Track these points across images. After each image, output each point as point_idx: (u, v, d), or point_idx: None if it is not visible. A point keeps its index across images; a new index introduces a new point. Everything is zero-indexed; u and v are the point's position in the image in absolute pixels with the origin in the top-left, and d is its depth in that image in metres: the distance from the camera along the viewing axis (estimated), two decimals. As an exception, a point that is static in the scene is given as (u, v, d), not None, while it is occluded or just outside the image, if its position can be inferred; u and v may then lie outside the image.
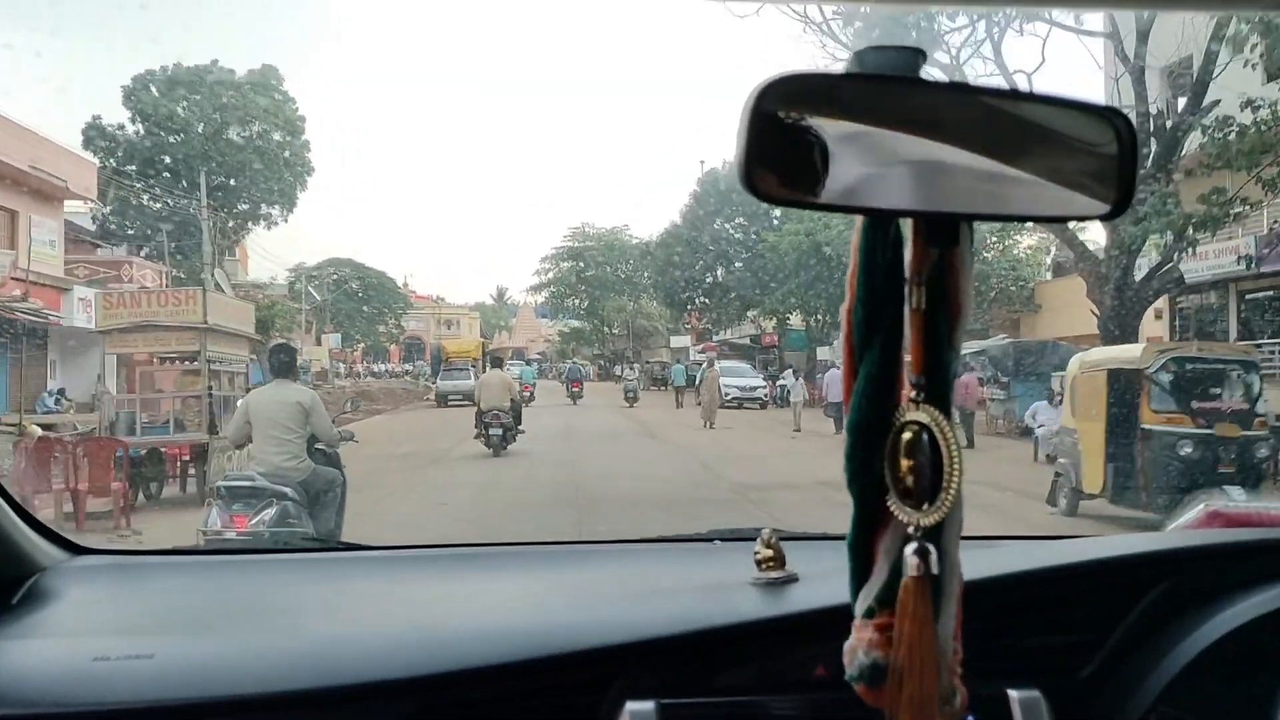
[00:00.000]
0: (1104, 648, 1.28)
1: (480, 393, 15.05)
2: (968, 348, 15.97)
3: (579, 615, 1.36)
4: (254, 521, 5.17)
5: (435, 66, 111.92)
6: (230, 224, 29.01)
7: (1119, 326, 14.01)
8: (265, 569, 1.70)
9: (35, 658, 1.22)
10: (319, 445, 5.88)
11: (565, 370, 37.41)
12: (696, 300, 41.05)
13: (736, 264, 36.07)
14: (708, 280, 39.04)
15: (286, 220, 30.33)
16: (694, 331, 56.13)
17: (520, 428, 14.96)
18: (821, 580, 1.30)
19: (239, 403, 6.42)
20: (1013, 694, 1.17)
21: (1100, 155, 0.66)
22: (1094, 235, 15.97)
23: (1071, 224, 8.63)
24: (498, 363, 20.20)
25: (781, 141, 0.62)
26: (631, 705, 1.14)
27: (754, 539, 1.40)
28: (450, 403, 27.05)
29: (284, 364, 6.14)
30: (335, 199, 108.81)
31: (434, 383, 29.31)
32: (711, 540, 1.83)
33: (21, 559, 1.44)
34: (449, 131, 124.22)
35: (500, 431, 14.10)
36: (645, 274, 54.96)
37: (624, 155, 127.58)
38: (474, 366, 31.89)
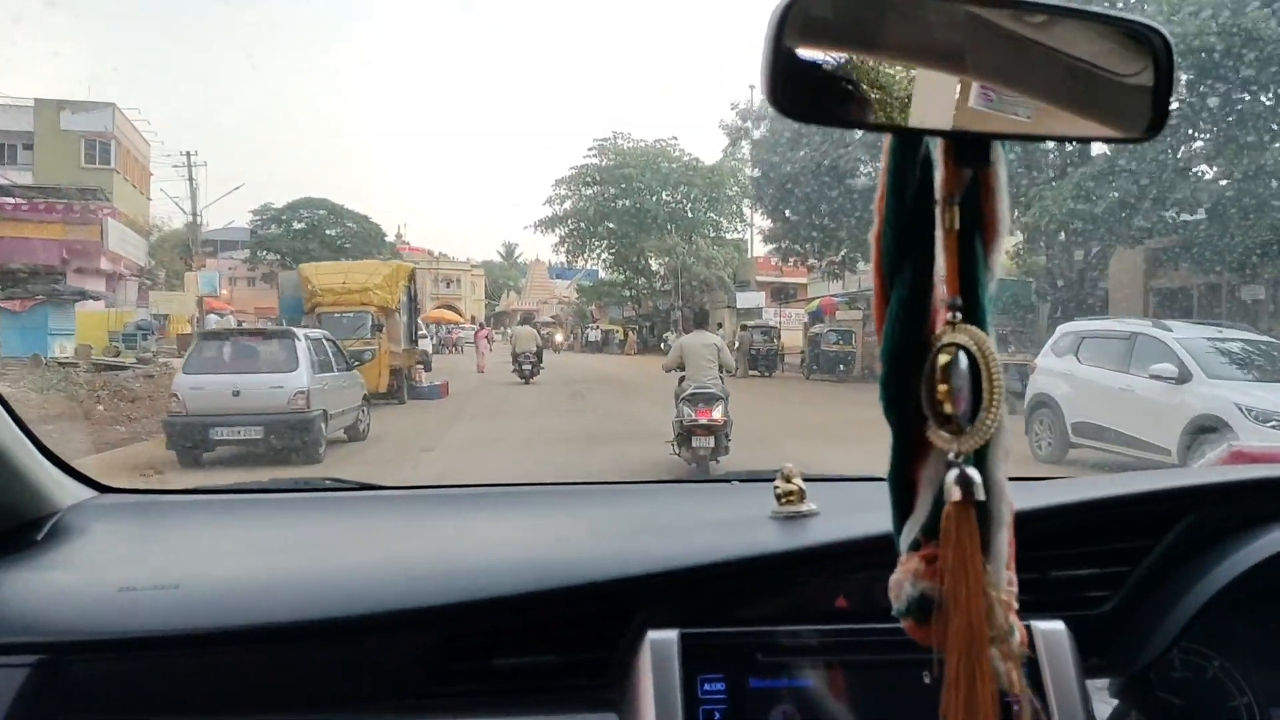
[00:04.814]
0: (1128, 582, 1.29)
1: (514, 342, 21.77)
2: None
3: (600, 548, 1.35)
4: (714, 414, 7.98)
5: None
6: None
7: None
8: (287, 507, 1.70)
9: (62, 589, 1.23)
10: (722, 365, 8.67)
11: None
12: (819, 224, 23.33)
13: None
14: (838, 195, 21.37)
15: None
16: (768, 287, 39.91)
17: (542, 365, 21.11)
18: (842, 515, 1.31)
19: (677, 341, 9.43)
20: (1037, 625, 1.16)
21: (1137, 74, 0.65)
22: None
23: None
24: (526, 321, 26.74)
25: (807, 58, 0.61)
26: (653, 634, 1.15)
27: (772, 480, 1.39)
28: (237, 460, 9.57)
29: (700, 320, 10.05)
30: (320, 140, 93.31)
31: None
32: (730, 481, 1.86)
33: (46, 496, 1.45)
34: (448, 59, 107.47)
35: (529, 367, 20.62)
36: (704, 197, 38.35)
37: (664, 51, 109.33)
38: (379, 329, 14.95)
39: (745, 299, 38.66)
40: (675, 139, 48.30)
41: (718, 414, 8.01)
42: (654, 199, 40.83)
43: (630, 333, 42.22)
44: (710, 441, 7.95)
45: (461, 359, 29.42)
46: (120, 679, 1.12)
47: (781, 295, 39.60)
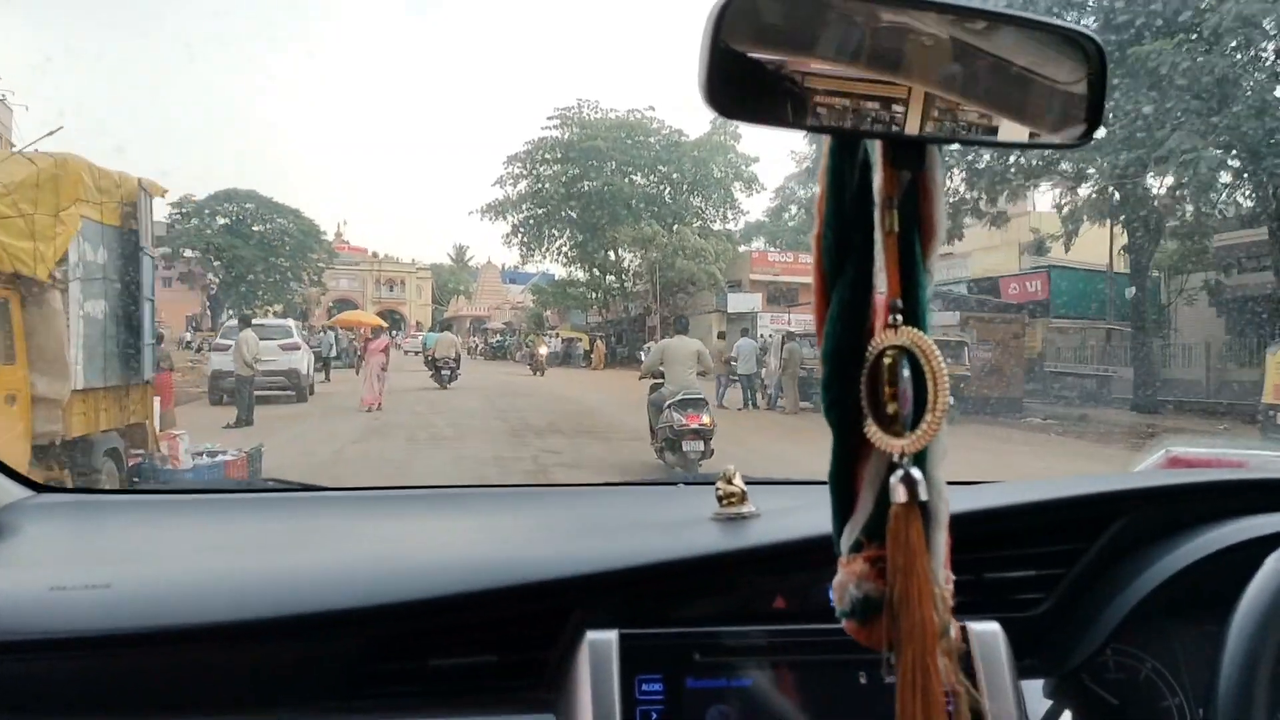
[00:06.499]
0: (1061, 584, 1.30)
1: (435, 347, 21.48)
2: None
3: (539, 549, 1.36)
4: (703, 419, 8.23)
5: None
6: None
7: None
8: (227, 508, 1.68)
9: None
10: (702, 372, 9.07)
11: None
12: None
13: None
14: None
15: None
16: (764, 288, 32.78)
17: (459, 371, 20.88)
18: (782, 517, 1.32)
19: (657, 346, 9.74)
20: (972, 626, 1.18)
21: (1071, 80, 0.67)
22: None
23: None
24: (447, 326, 27.83)
25: (745, 57, 0.61)
26: (592, 634, 1.15)
27: (715, 483, 1.39)
28: None
29: (682, 325, 9.80)
30: (252, 128, 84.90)
31: None
32: (676, 485, 1.85)
33: None
34: (395, 42, 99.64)
35: (448, 373, 20.50)
36: (687, 179, 31.22)
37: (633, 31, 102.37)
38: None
39: (737, 301, 31.60)
40: (652, 109, 41.15)
41: (706, 418, 8.33)
42: (626, 180, 33.59)
43: (598, 342, 34.58)
44: (700, 445, 8.23)
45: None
46: (49, 680, 1.12)
47: (780, 297, 32.42)
